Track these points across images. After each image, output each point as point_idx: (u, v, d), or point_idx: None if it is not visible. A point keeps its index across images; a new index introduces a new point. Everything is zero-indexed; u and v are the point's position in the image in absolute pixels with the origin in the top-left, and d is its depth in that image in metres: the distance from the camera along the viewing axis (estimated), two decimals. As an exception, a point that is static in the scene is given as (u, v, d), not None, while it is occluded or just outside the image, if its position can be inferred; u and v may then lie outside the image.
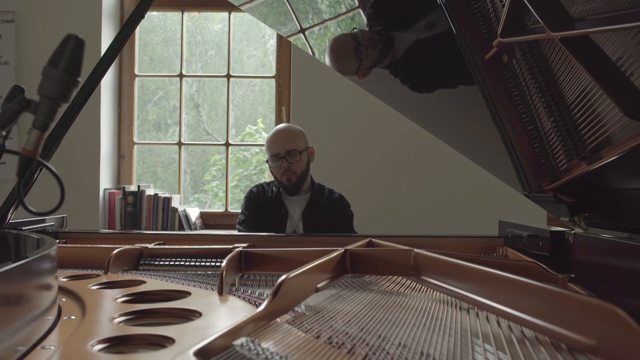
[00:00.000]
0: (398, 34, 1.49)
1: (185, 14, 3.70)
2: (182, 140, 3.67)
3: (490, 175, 1.57)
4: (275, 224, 2.41)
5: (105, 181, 3.46)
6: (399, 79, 1.59)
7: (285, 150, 2.36)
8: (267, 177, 2.51)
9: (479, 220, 2.59)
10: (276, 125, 3.48)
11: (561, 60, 1.02)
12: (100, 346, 0.63)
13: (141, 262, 1.27)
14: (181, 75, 3.65)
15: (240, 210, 2.55)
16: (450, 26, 1.28)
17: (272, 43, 3.88)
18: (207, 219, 3.56)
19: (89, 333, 0.68)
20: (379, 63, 1.56)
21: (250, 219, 2.45)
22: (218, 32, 4.22)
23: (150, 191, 3.41)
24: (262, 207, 2.46)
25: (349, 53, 1.57)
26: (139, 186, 3.40)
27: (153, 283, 1.04)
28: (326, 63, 1.73)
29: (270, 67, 3.84)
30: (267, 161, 2.44)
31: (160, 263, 1.26)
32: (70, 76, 0.84)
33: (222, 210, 3.63)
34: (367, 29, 1.58)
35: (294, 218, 2.44)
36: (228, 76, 3.62)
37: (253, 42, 4.20)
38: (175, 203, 3.41)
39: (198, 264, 1.24)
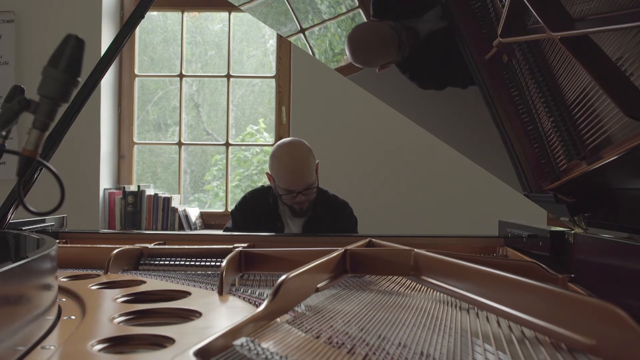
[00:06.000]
0: (418, 25, 1.41)
1: (185, 14, 3.70)
2: (182, 140, 3.67)
3: (490, 175, 1.57)
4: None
5: (105, 181, 3.46)
6: (407, 75, 1.50)
7: (303, 188, 2.16)
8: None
9: (479, 220, 2.59)
10: (275, 125, 3.49)
11: (561, 60, 1.02)
12: (100, 346, 0.63)
13: (141, 262, 1.27)
14: (181, 75, 3.65)
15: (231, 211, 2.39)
16: (451, 26, 1.28)
17: (272, 43, 3.88)
18: (207, 219, 3.56)
19: (89, 333, 0.68)
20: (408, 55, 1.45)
21: (237, 229, 2.29)
22: (218, 32, 4.21)
23: (150, 191, 3.41)
24: (254, 217, 2.28)
25: (392, 44, 1.42)
26: (139, 186, 3.40)
27: (153, 283, 1.04)
28: (351, 52, 1.54)
29: (270, 67, 3.84)
30: (274, 187, 2.22)
31: (160, 263, 1.26)
32: (70, 76, 0.84)
33: (222, 210, 3.62)
34: None
35: (292, 230, 2.28)
36: (228, 76, 3.62)
37: (253, 42, 4.19)
38: (175, 203, 3.41)
39: (198, 264, 1.24)
